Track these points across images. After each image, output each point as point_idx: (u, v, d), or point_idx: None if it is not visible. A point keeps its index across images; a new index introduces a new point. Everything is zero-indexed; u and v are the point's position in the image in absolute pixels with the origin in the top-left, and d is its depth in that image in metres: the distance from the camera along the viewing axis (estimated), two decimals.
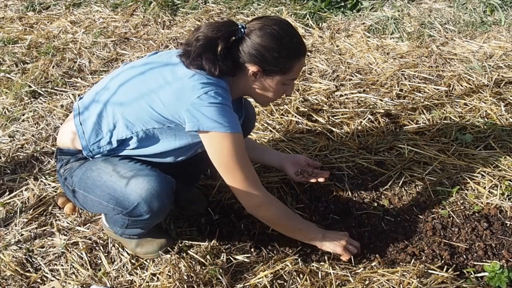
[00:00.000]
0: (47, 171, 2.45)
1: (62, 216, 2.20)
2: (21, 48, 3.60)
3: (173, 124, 1.66)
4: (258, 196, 1.72)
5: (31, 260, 2.00)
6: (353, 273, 1.87)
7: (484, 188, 2.22)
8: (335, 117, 2.74)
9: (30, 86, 3.10)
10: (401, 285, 1.78)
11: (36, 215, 2.20)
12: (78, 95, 3.01)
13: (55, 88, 3.13)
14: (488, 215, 2.12)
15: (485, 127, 2.61)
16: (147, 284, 1.86)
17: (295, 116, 2.73)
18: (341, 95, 2.94)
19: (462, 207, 2.16)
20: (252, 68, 1.66)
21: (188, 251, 1.98)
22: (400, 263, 1.93)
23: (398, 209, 2.18)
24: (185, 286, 1.81)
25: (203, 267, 1.91)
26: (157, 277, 1.89)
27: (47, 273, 1.93)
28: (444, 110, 2.76)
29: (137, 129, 1.68)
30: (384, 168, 2.37)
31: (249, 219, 2.12)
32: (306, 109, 2.79)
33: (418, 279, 1.78)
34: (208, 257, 1.95)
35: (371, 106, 2.82)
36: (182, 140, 1.71)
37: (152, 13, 4.03)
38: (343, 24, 3.79)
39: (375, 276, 1.83)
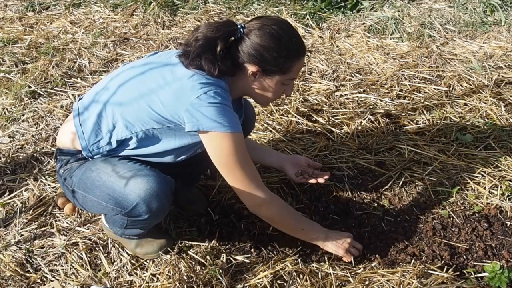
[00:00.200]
0: (47, 172, 2.45)
1: (62, 216, 2.19)
2: (21, 49, 3.60)
3: (172, 124, 1.65)
4: (260, 195, 1.72)
5: (31, 261, 1.99)
6: (353, 273, 1.87)
7: (484, 188, 2.22)
8: (335, 118, 2.74)
9: (30, 87, 3.10)
10: (401, 285, 1.77)
11: (36, 216, 2.20)
12: (78, 96, 3.01)
13: (55, 88, 3.13)
14: (488, 215, 2.11)
15: (485, 127, 2.60)
16: (147, 284, 1.86)
17: (295, 117, 2.73)
18: (341, 95, 2.94)
19: (462, 208, 2.16)
20: (251, 68, 1.66)
21: (188, 252, 1.98)
22: (400, 263, 1.93)
23: (398, 209, 2.18)
24: (185, 286, 1.81)
25: (203, 268, 1.91)
26: (157, 278, 1.89)
27: (47, 274, 1.93)
28: (444, 110, 2.76)
29: (137, 129, 1.68)
30: (384, 168, 2.37)
31: (249, 220, 2.12)
32: (306, 110, 2.79)
33: (418, 280, 1.78)
34: (208, 257, 1.95)
35: (371, 106, 2.82)
36: (182, 140, 1.71)
37: (152, 13, 4.03)
38: (343, 24, 3.79)
39: (375, 276, 1.83)
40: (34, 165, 2.49)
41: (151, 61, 1.76)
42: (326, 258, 1.94)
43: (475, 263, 1.91)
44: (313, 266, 1.91)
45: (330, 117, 2.74)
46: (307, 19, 3.86)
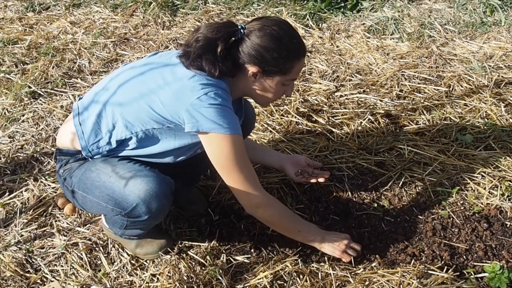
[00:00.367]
0: (47, 172, 2.45)
1: (62, 216, 2.19)
2: (21, 49, 3.60)
3: (172, 125, 1.65)
4: (257, 197, 1.72)
5: (31, 261, 2.00)
6: (353, 273, 1.87)
7: (484, 188, 2.22)
8: (335, 118, 2.74)
9: (30, 87, 3.10)
10: (401, 285, 1.77)
11: (36, 216, 2.20)
12: (78, 96, 3.01)
13: (55, 88, 3.13)
14: (488, 215, 2.12)
15: (485, 127, 2.60)
16: (147, 284, 1.86)
17: (295, 117, 2.73)
18: (341, 96, 2.94)
19: (462, 208, 2.16)
20: (252, 69, 1.66)
21: (188, 252, 1.98)
22: (400, 263, 1.93)
23: (398, 209, 2.18)
24: (185, 286, 1.81)
25: (203, 268, 1.91)
26: (157, 278, 1.89)
27: (47, 274, 1.93)
28: (444, 111, 2.76)
29: (137, 129, 1.68)
30: (384, 168, 2.37)
31: (249, 220, 2.12)
32: (306, 110, 2.79)
33: (418, 280, 1.78)
34: (208, 257, 1.95)
35: (371, 107, 2.82)
36: (182, 140, 1.71)
37: (152, 13, 4.03)
38: (343, 25, 3.79)
39: (375, 276, 1.83)
40: (34, 166, 2.49)
41: (151, 62, 1.76)
42: (326, 258, 1.94)
43: (475, 264, 1.91)
44: (313, 267, 1.91)
45: (330, 118, 2.74)
46: (307, 19, 3.86)
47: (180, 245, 2.01)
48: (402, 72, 3.13)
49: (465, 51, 3.36)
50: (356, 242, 1.96)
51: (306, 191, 2.27)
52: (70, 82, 3.21)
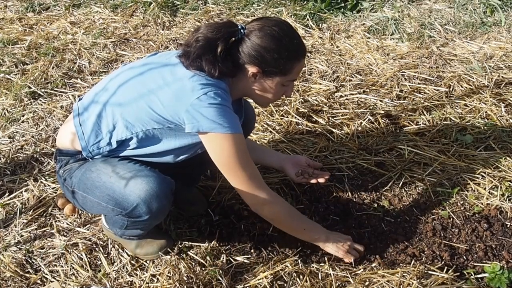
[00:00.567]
0: (47, 172, 2.45)
1: (62, 217, 2.19)
2: (20, 49, 3.60)
3: (172, 125, 1.65)
4: (262, 195, 1.72)
5: (31, 261, 1.99)
6: (353, 274, 1.87)
7: (484, 189, 2.22)
8: (335, 118, 2.74)
9: (29, 87, 3.10)
10: (401, 286, 1.77)
11: (36, 216, 2.20)
12: (78, 96, 3.01)
13: (55, 89, 3.13)
14: (488, 216, 2.11)
15: (485, 128, 2.60)
16: (147, 285, 1.86)
17: (295, 117, 2.73)
18: (341, 96, 2.94)
19: (462, 208, 2.16)
20: (252, 69, 1.66)
21: (188, 252, 1.98)
22: (400, 264, 1.93)
23: (398, 210, 2.18)
24: (185, 287, 1.81)
25: (203, 268, 1.90)
26: (157, 278, 1.89)
27: (47, 274, 1.93)
28: (444, 111, 2.76)
29: (137, 129, 1.68)
30: (384, 169, 2.37)
31: (249, 220, 2.12)
32: (306, 110, 2.79)
33: (418, 280, 1.78)
34: (208, 258, 1.95)
35: (371, 107, 2.82)
36: (182, 140, 1.71)
37: (152, 14, 4.03)
38: (343, 25, 3.79)
39: (375, 277, 1.83)
40: (34, 166, 2.49)
41: (151, 62, 1.76)
42: (326, 258, 1.94)
43: (475, 264, 1.91)
44: (313, 267, 1.91)
45: (330, 118, 2.74)
46: (307, 19, 3.86)
47: (180, 246, 2.01)
48: (402, 72, 3.13)
49: (465, 52, 3.36)
50: (360, 245, 1.97)
51: (306, 192, 2.27)
52: (70, 83, 3.21)
